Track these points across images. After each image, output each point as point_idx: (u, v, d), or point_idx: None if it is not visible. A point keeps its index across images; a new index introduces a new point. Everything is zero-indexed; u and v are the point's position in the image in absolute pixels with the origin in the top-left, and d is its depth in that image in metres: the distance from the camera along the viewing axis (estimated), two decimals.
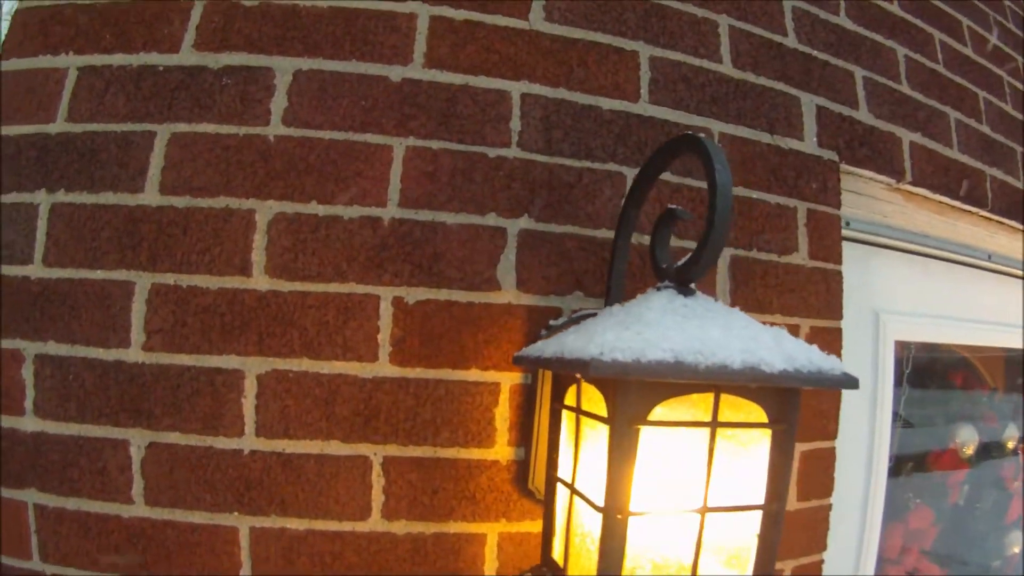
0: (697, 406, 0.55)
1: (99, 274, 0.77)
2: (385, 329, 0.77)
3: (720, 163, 0.54)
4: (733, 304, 0.85)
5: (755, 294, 0.89)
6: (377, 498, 0.76)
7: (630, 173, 0.86)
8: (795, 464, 0.95)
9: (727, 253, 0.90)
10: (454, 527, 0.78)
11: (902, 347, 1.21)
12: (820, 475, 0.97)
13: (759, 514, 0.59)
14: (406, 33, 0.84)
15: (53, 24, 0.84)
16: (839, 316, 0.98)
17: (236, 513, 0.75)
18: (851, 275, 1.13)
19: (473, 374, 0.78)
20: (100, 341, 0.76)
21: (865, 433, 1.11)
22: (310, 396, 0.76)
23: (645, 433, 0.53)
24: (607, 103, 0.88)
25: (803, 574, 0.96)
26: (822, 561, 0.98)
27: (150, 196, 0.78)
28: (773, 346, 0.53)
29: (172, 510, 0.75)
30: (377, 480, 0.76)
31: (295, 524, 0.76)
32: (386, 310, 0.77)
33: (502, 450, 0.79)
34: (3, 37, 0.80)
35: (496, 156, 0.82)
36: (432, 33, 0.84)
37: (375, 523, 0.77)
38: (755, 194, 0.93)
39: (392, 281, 0.78)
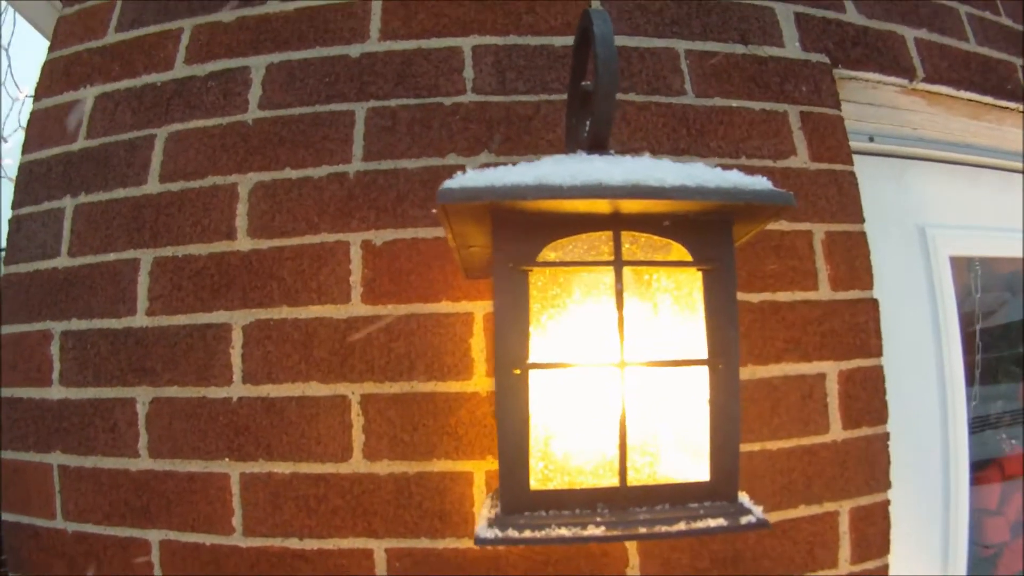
0: (601, 249, 0.59)
1: (111, 256, 0.99)
2: (356, 271, 0.92)
3: (600, 19, 0.65)
4: None
5: None
6: (357, 437, 0.88)
7: None
8: (834, 386, 0.95)
9: (711, 164, 0.99)
10: (438, 466, 0.87)
11: (964, 266, 1.18)
12: (868, 398, 0.96)
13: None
14: (362, 17, 1.05)
15: (73, 66, 1.14)
16: (859, 219, 1.00)
17: (227, 460, 0.89)
18: (886, 191, 1.15)
19: (444, 306, 0.90)
20: (112, 312, 0.96)
21: (932, 356, 1.08)
22: (289, 341, 0.90)
23: (541, 279, 0.58)
24: (560, 40, 1.03)
25: (864, 517, 0.94)
26: (887, 502, 0.95)
27: (152, 186, 1.02)
28: (673, 169, 0.56)
29: (172, 460, 0.90)
30: (356, 419, 0.88)
31: (281, 468, 0.88)
32: (356, 253, 0.92)
33: (481, 381, 0.89)
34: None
35: (452, 103, 0.99)
36: (385, 11, 1.05)
37: (357, 464, 0.88)
38: (735, 102, 1.00)
39: (360, 227, 0.93)
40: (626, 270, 0.60)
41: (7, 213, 1.08)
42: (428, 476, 0.86)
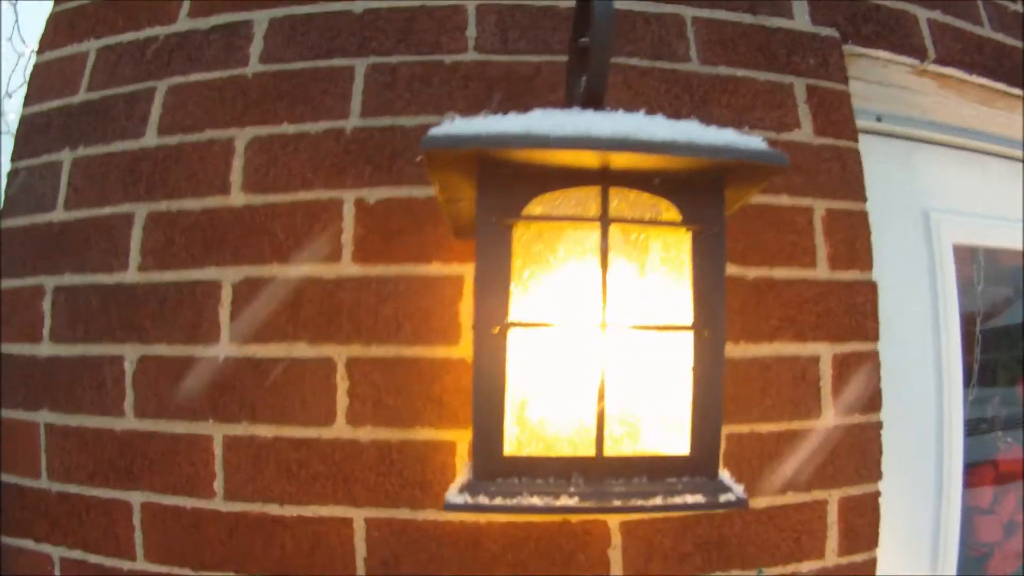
0: (589, 206, 0.55)
1: (107, 210, 0.96)
2: (348, 229, 0.87)
3: None
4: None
5: None
6: (342, 401, 0.84)
7: None
8: (827, 369, 0.89)
9: None
10: (421, 434, 0.81)
11: (968, 257, 1.13)
12: (862, 384, 0.90)
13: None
14: None
15: (78, 19, 1.11)
16: (861, 198, 0.93)
17: (211, 421, 0.84)
18: (891, 173, 1.08)
19: (435, 268, 0.83)
20: (105, 267, 0.91)
21: (930, 346, 1.03)
22: (277, 299, 0.85)
23: (525, 235, 0.55)
24: (564, 3, 0.96)
25: (853, 508, 0.89)
26: (877, 493, 0.90)
27: (150, 139, 1.00)
28: (665, 124, 0.52)
29: (156, 420, 0.85)
30: (341, 382, 0.84)
31: (263, 431, 0.83)
32: (349, 211, 0.87)
33: (467, 347, 0.83)
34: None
35: (452, 62, 0.95)
36: None
37: (340, 429, 0.83)
38: (740, 72, 0.94)
39: (354, 183, 0.87)
40: (614, 229, 0.57)
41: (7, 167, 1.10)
42: (411, 444, 0.83)
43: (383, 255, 0.85)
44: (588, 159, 0.54)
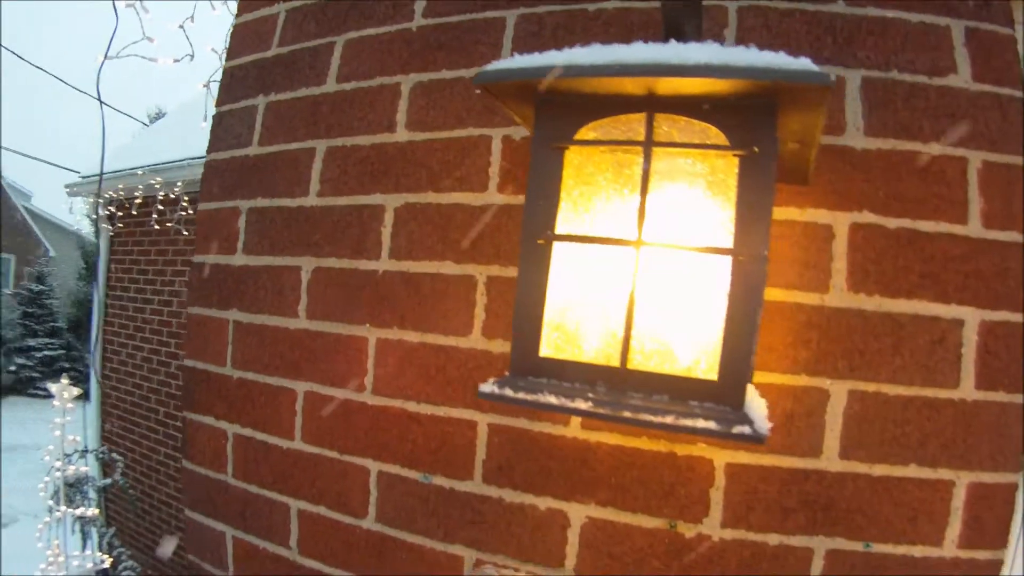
0: (639, 131, 0.63)
1: (293, 146, 1.24)
2: (495, 163, 1.06)
3: None
4: (867, 131, 0.94)
5: (896, 118, 0.93)
6: (479, 315, 1.02)
7: None
8: (972, 337, 0.90)
9: (856, 75, 0.96)
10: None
11: None
12: (1011, 358, 0.90)
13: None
14: None
15: None
16: (1020, 152, 0.94)
17: (368, 325, 1.08)
18: None
19: None
20: (289, 193, 1.20)
21: None
22: (431, 223, 1.06)
23: (577, 159, 0.64)
24: None
25: (983, 496, 0.88)
26: (1015, 486, 0.87)
27: (329, 85, 1.25)
28: (713, 51, 0.57)
29: (324, 322, 1.11)
30: (480, 298, 1.03)
31: (411, 336, 1.05)
32: (496, 146, 1.06)
33: None
34: None
35: (595, 9, 1.06)
36: None
37: (475, 340, 1.01)
38: (890, 13, 0.98)
39: (502, 123, 1.06)
40: (661, 153, 0.64)
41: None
42: None
43: (524, 187, 1.00)
44: (630, 86, 0.62)
